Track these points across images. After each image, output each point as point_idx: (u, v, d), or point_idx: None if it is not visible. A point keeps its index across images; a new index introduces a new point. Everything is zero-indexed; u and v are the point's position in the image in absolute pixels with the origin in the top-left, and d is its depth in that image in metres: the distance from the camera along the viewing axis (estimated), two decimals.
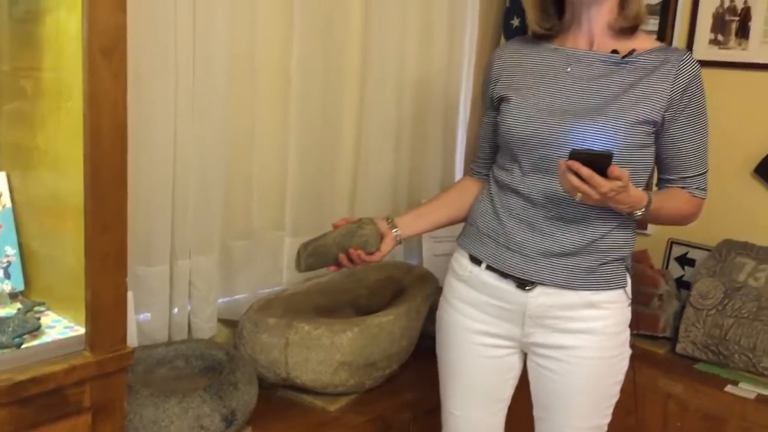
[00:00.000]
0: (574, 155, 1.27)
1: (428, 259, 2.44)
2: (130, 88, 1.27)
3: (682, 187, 1.50)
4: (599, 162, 1.26)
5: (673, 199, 1.49)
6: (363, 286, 2.22)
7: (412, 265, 2.37)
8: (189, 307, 1.91)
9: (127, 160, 1.29)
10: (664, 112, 1.41)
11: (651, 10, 2.41)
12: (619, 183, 1.28)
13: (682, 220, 1.54)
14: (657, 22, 2.41)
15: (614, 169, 1.27)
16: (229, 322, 2.02)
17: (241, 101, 1.91)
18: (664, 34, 2.40)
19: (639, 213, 1.40)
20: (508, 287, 1.49)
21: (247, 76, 1.91)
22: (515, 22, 2.49)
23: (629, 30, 1.46)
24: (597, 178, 1.26)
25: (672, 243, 2.45)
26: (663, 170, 1.51)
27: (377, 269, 2.24)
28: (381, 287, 2.22)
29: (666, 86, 1.40)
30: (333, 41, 2.08)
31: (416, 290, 2.10)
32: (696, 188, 1.50)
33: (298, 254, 1.53)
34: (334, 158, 2.18)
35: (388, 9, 2.19)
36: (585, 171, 1.26)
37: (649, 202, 1.39)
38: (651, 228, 2.49)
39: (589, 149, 1.28)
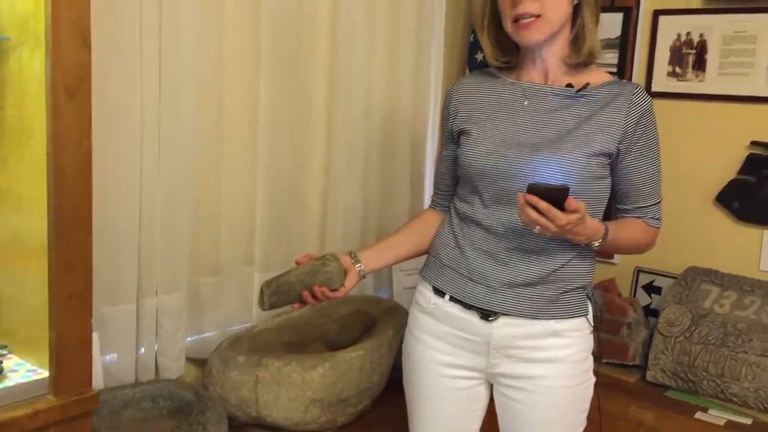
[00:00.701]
0: (532, 189, 1.29)
1: (398, 292, 2.44)
2: (95, 126, 1.26)
3: (638, 217, 1.53)
4: (556, 195, 1.28)
5: (629, 229, 1.51)
6: (333, 320, 2.21)
7: (381, 299, 2.36)
8: (156, 347, 1.87)
9: (92, 198, 1.27)
10: (619, 144, 1.44)
11: (610, 44, 2.48)
12: (576, 215, 1.31)
13: (639, 249, 1.58)
14: (616, 55, 2.47)
15: (571, 202, 1.29)
16: (197, 361, 1.99)
17: (208, 136, 1.91)
18: (623, 67, 2.46)
19: (596, 243, 1.42)
20: (471, 318, 1.50)
21: (214, 110, 1.91)
22: (479, 56, 2.54)
23: (583, 65, 1.49)
24: (554, 211, 1.28)
25: (639, 271, 2.49)
26: (619, 200, 1.54)
27: (347, 303, 2.23)
28: (351, 321, 2.21)
29: (620, 119, 1.44)
30: (300, 75, 2.09)
31: (387, 324, 2.09)
32: (651, 218, 1.53)
33: (261, 292, 1.52)
34: (302, 192, 2.18)
35: (355, 43, 2.21)
36: (543, 204, 1.28)
37: (606, 232, 1.42)
38: (618, 257, 2.53)
39: (547, 183, 1.31)
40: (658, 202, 1.53)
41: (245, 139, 2.01)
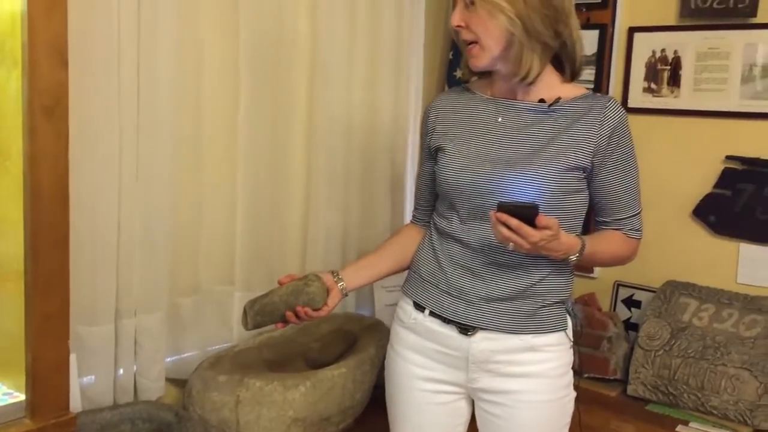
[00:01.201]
0: (501, 207, 1.30)
1: (380, 309, 2.43)
2: (73, 146, 1.25)
3: (617, 229, 1.53)
4: (526, 213, 1.29)
5: (607, 242, 1.52)
6: (315, 338, 2.19)
7: (363, 316, 2.36)
8: (135, 368, 1.85)
9: (69, 219, 1.26)
10: (593, 157, 1.45)
11: (587, 61, 2.50)
12: (548, 232, 1.31)
13: (619, 261, 1.58)
14: (593, 71, 2.50)
15: (542, 219, 1.30)
16: (177, 382, 1.97)
17: (187, 155, 1.90)
18: (600, 83, 2.49)
19: (573, 258, 1.43)
20: (450, 333, 1.50)
21: (193, 129, 1.90)
22: (458, 73, 2.55)
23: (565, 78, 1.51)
24: (526, 228, 1.29)
25: (618, 285, 2.50)
26: (597, 213, 1.55)
27: (329, 321, 2.22)
28: (333, 339, 2.20)
29: (592, 132, 1.44)
30: (279, 95, 2.09)
31: (369, 341, 2.09)
32: (630, 229, 1.53)
33: (245, 312, 1.52)
34: (282, 210, 2.17)
35: (334, 62, 2.22)
36: (513, 222, 1.29)
37: (583, 247, 1.42)
38: (597, 271, 2.55)
39: (516, 201, 1.32)
40: (637, 214, 1.54)
41: (225, 157, 2.01)
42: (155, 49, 1.75)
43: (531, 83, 1.47)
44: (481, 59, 1.45)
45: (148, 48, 1.74)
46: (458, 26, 1.44)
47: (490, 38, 1.42)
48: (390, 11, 2.40)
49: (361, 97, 2.36)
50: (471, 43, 1.44)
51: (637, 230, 1.54)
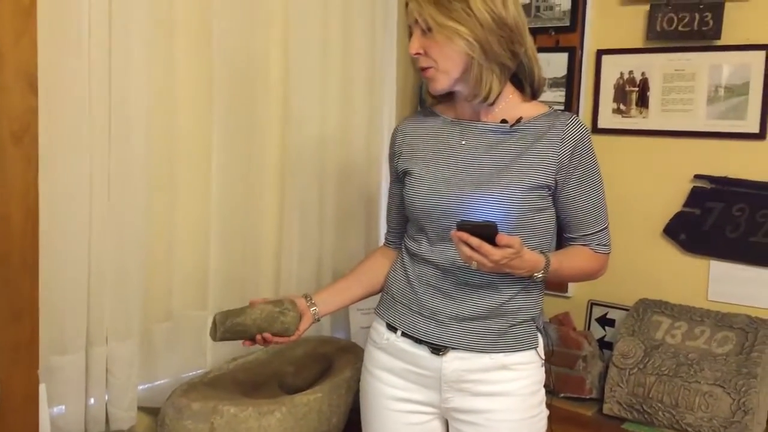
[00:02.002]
0: (461, 226, 1.32)
1: (356, 332, 2.42)
2: (43, 172, 1.24)
3: (584, 244, 1.55)
4: (486, 232, 1.31)
5: (574, 258, 1.54)
6: (289, 362, 2.17)
7: (338, 339, 2.34)
8: (107, 397, 1.81)
9: (38, 245, 1.24)
10: (555, 175, 1.47)
11: (556, 83, 2.54)
12: (510, 250, 1.33)
13: (589, 276, 1.60)
14: (563, 93, 2.53)
15: (502, 237, 1.32)
16: (150, 410, 1.93)
17: (160, 180, 1.88)
18: (570, 104, 2.52)
19: (539, 275, 1.45)
20: (422, 353, 1.52)
21: (166, 154, 1.89)
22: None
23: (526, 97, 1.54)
24: (486, 247, 1.31)
25: (592, 304, 2.52)
26: (564, 229, 1.57)
27: (303, 344, 2.20)
28: (308, 363, 2.18)
29: (554, 150, 1.46)
30: (253, 120, 2.09)
31: (344, 364, 2.07)
32: (597, 244, 1.55)
33: (215, 324, 1.52)
34: (256, 234, 2.16)
35: (307, 87, 2.22)
36: (474, 241, 1.31)
37: (547, 264, 1.44)
38: (571, 290, 2.56)
39: (475, 220, 1.34)
40: (604, 228, 1.56)
41: (197, 181, 1.99)
42: (127, 75, 1.74)
43: (492, 104, 1.49)
44: (440, 83, 1.47)
45: (120, 74, 1.72)
46: (417, 54, 1.46)
47: (449, 62, 1.45)
48: (362, 34, 2.42)
49: (335, 120, 2.37)
50: (428, 67, 1.46)
51: (605, 245, 1.57)
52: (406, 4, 1.48)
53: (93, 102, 1.68)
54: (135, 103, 1.76)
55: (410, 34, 1.48)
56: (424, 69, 1.47)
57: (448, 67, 1.45)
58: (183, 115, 1.92)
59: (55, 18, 1.58)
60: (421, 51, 1.46)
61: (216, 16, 1.94)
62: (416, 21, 1.44)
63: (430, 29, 1.43)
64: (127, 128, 1.75)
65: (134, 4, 1.73)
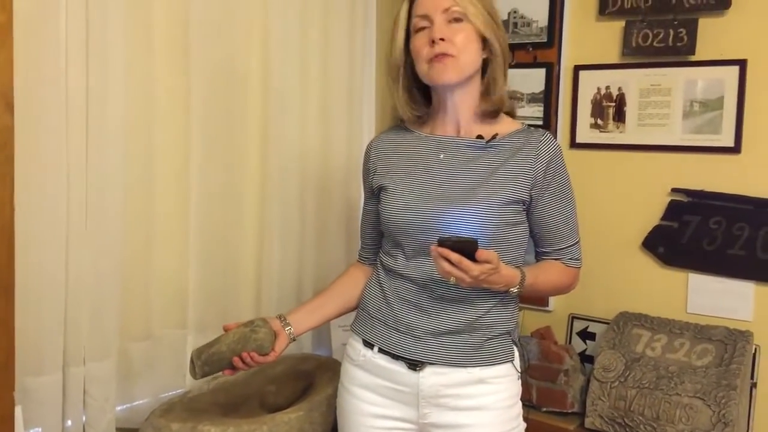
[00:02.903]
0: (442, 242, 1.32)
1: (337, 349, 2.41)
2: (19, 190, 1.22)
3: (557, 259, 1.58)
4: (466, 247, 1.32)
5: (548, 272, 1.56)
6: (270, 381, 2.15)
7: (319, 356, 2.33)
8: (84, 418, 1.78)
9: (14, 264, 1.22)
10: (530, 190, 1.50)
11: (534, 98, 2.56)
12: (488, 265, 1.34)
13: (561, 289, 1.63)
14: (542, 109, 2.55)
15: (482, 253, 1.33)
16: (128, 431, 1.91)
17: (138, 197, 1.86)
18: (548, 119, 2.54)
19: (515, 290, 1.46)
20: (399, 369, 1.52)
21: (144, 170, 1.87)
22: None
23: (493, 113, 1.55)
24: (466, 263, 1.32)
25: (573, 318, 2.53)
26: (537, 244, 1.59)
27: (283, 362, 2.18)
28: (289, 381, 2.16)
29: (529, 165, 1.49)
30: (232, 135, 2.08)
31: (325, 381, 2.06)
32: (569, 258, 1.58)
33: (192, 362, 1.51)
34: (236, 252, 2.15)
35: (287, 102, 2.22)
36: (454, 256, 1.31)
37: (523, 278, 1.46)
38: (552, 304, 2.57)
39: (456, 236, 1.34)
40: (576, 243, 1.59)
41: (176, 197, 1.98)
42: (105, 92, 1.73)
43: (498, 113, 1.54)
44: (453, 72, 1.48)
45: (98, 91, 1.71)
46: (441, 39, 1.46)
47: (469, 56, 1.49)
48: (341, 48, 2.43)
49: (314, 134, 2.37)
50: (448, 56, 1.47)
51: (577, 259, 1.59)
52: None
53: (70, 123, 1.67)
54: (112, 122, 1.75)
55: (415, 29, 1.51)
56: (441, 56, 1.47)
57: (467, 60, 1.48)
58: (161, 132, 1.91)
59: (31, 36, 1.57)
60: (445, 37, 1.47)
61: (195, 32, 1.95)
62: (446, 10, 1.47)
63: (461, 18, 1.47)
64: (104, 147, 1.74)
65: (111, 26, 1.73)
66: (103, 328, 1.79)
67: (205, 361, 1.49)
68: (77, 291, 1.73)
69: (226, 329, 1.53)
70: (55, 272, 1.68)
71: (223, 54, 2.03)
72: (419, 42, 1.50)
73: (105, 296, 1.78)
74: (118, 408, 1.88)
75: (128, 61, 1.78)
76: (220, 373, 1.53)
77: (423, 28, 1.50)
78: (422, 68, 1.50)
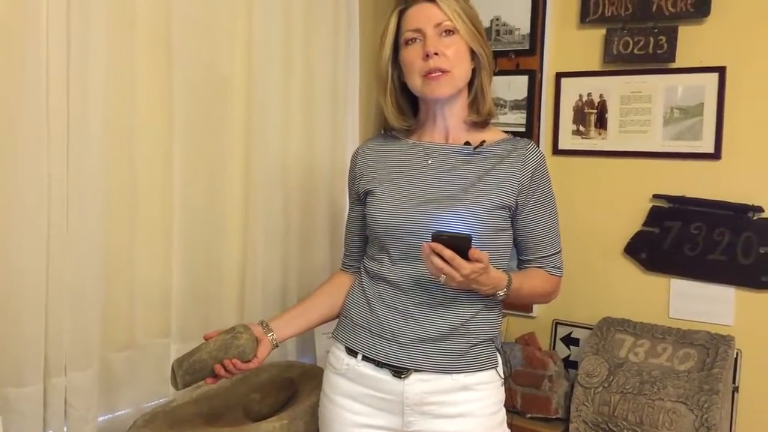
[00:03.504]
0: (436, 237, 1.33)
1: (321, 356, 2.40)
2: None
3: (540, 266, 1.60)
4: (461, 244, 1.33)
5: (532, 279, 1.58)
6: (254, 389, 2.14)
7: (303, 364, 2.31)
8: (65, 429, 1.76)
9: None
10: (517, 196, 1.52)
11: (517, 105, 2.58)
12: (479, 265, 1.35)
13: (544, 297, 1.64)
14: (524, 115, 2.57)
15: (475, 252, 1.34)
16: None
17: (120, 201, 1.84)
18: (531, 126, 2.56)
19: (501, 294, 1.47)
20: (384, 377, 1.51)
21: (126, 175, 1.86)
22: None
23: (481, 124, 1.58)
24: (459, 260, 1.33)
25: (556, 324, 2.54)
26: (520, 252, 1.61)
27: (267, 370, 2.17)
28: (273, 389, 2.15)
29: (516, 172, 1.52)
30: (215, 140, 2.07)
31: (310, 389, 2.04)
32: (551, 267, 1.60)
33: (173, 372, 1.49)
34: (219, 259, 2.13)
35: (270, 106, 2.21)
36: (447, 252, 1.32)
37: (510, 282, 1.47)
38: (536, 310, 2.58)
39: (451, 232, 1.35)
40: (558, 252, 1.61)
41: (159, 205, 1.96)
42: (86, 91, 1.70)
43: (486, 123, 1.57)
44: (447, 87, 1.50)
45: (79, 90, 1.69)
46: (436, 53, 1.48)
47: (462, 70, 1.51)
48: (325, 53, 2.42)
49: (298, 138, 2.36)
50: (440, 71, 1.49)
51: (559, 268, 1.62)
52: (402, 11, 1.53)
53: (51, 128, 1.65)
54: (94, 127, 1.73)
55: (404, 42, 1.52)
56: (435, 72, 1.49)
57: (460, 74, 1.51)
58: (143, 138, 1.90)
59: (12, 40, 1.55)
60: (438, 51, 1.48)
61: (177, 37, 1.94)
62: (438, 24, 1.49)
63: (452, 31, 1.49)
64: (86, 152, 1.72)
65: (93, 31, 1.71)
66: (85, 337, 1.77)
67: (186, 371, 1.48)
68: (58, 300, 1.71)
69: (206, 338, 1.52)
70: (36, 280, 1.65)
71: (206, 58, 2.03)
72: (411, 55, 1.51)
73: (86, 305, 1.76)
74: (100, 418, 1.86)
75: (110, 65, 1.77)
76: (203, 382, 1.51)
77: (413, 40, 1.51)
78: (415, 82, 1.52)
